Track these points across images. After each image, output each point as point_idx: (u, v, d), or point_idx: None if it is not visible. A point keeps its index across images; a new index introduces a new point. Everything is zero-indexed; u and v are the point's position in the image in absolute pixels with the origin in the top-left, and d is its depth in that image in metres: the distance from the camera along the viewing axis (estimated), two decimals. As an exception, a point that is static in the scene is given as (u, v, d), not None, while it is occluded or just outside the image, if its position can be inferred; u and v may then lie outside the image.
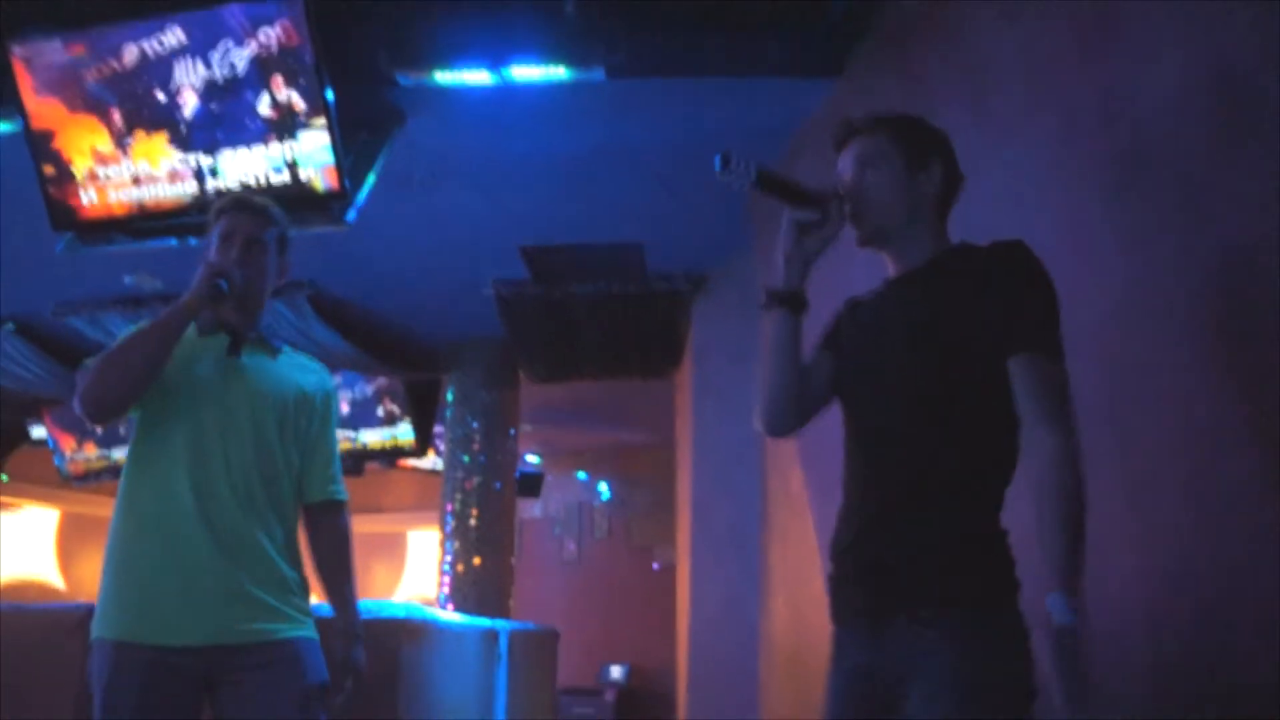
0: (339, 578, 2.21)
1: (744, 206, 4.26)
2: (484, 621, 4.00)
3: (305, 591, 2.14)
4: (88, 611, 3.12)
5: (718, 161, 1.60)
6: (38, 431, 8.15)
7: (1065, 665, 1.40)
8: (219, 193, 3.46)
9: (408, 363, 6.42)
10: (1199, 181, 1.72)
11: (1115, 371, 1.89)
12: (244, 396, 2.13)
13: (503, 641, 3.85)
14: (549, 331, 5.78)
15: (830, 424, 3.08)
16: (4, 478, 8.84)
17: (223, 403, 2.11)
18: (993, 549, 1.55)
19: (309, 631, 2.09)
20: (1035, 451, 1.51)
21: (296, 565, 2.14)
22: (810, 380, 1.76)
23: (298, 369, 2.25)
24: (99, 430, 7.66)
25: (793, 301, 1.72)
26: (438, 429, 7.14)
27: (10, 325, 6.10)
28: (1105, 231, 1.94)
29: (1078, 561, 1.44)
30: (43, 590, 10.11)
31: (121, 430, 7.53)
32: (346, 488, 2.27)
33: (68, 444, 7.93)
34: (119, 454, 7.80)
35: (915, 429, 1.60)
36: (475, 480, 6.09)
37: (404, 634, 2.90)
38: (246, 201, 2.25)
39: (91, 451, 7.83)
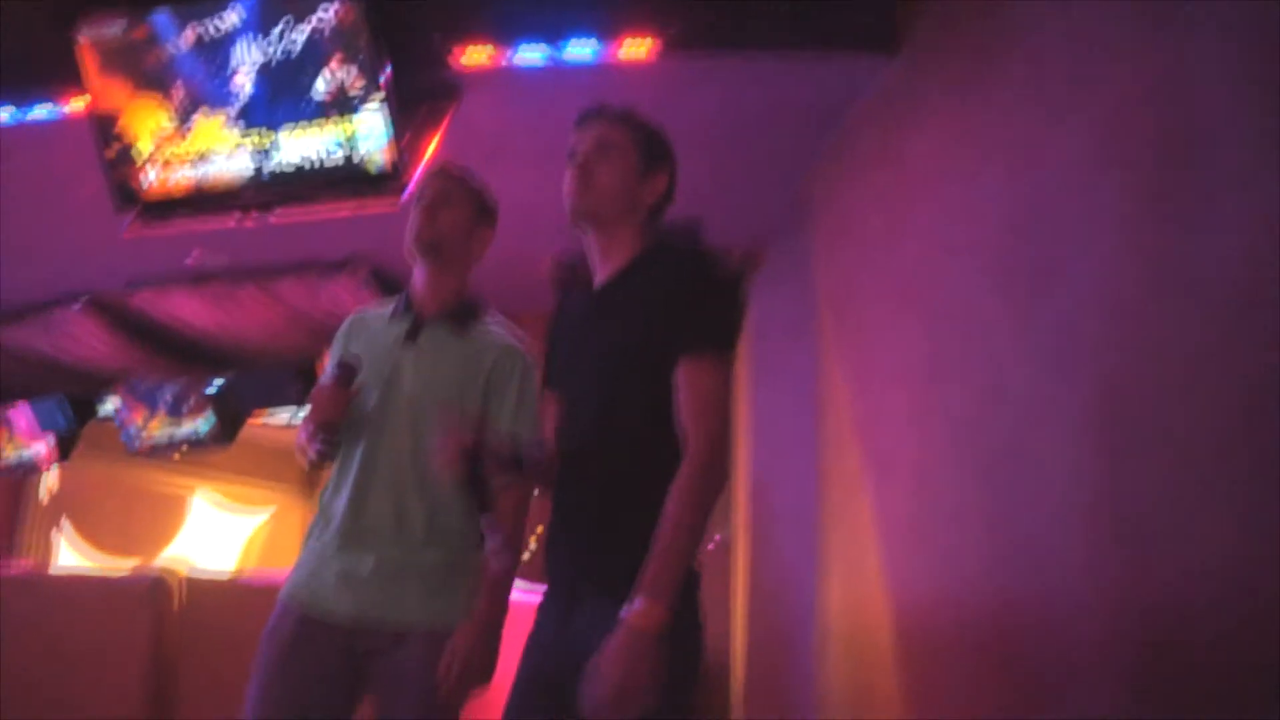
0: (488, 559, 2.16)
1: (799, 183, 4.22)
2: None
3: (458, 577, 2.15)
4: (153, 581, 3.20)
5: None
6: (108, 406, 8.34)
7: (616, 658, 1.55)
8: (277, 172, 3.50)
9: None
10: (1255, 163, 1.66)
11: (1159, 353, 1.85)
12: (408, 385, 2.19)
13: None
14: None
15: (888, 404, 3.07)
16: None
17: (389, 391, 2.17)
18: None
19: (446, 624, 2.11)
20: (683, 443, 1.66)
21: (450, 550, 2.16)
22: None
23: (484, 347, 2.24)
24: (168, 402, 7.83)
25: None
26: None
27: (80, 302, 6.23)
28: (1159, 211, 1.90)
29: (665, 571, 1.59)
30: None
31: (184, 407, 7.69)
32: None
33: (138, 417, 8.10)
34: (187, 428, 7.95)
35: (598, 433, 1.77)
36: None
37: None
38: (441, 168, 2.30)
39: (159, 425, 7.99)
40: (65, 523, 10.19)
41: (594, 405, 1.80)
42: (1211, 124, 1.75)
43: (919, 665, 2.82)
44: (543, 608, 1.86)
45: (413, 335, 2.22)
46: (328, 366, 2.25)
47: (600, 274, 1.87)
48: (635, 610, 1.58)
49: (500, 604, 2.14)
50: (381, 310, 2.34)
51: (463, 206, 2.26)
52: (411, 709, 2.08)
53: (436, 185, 2.26)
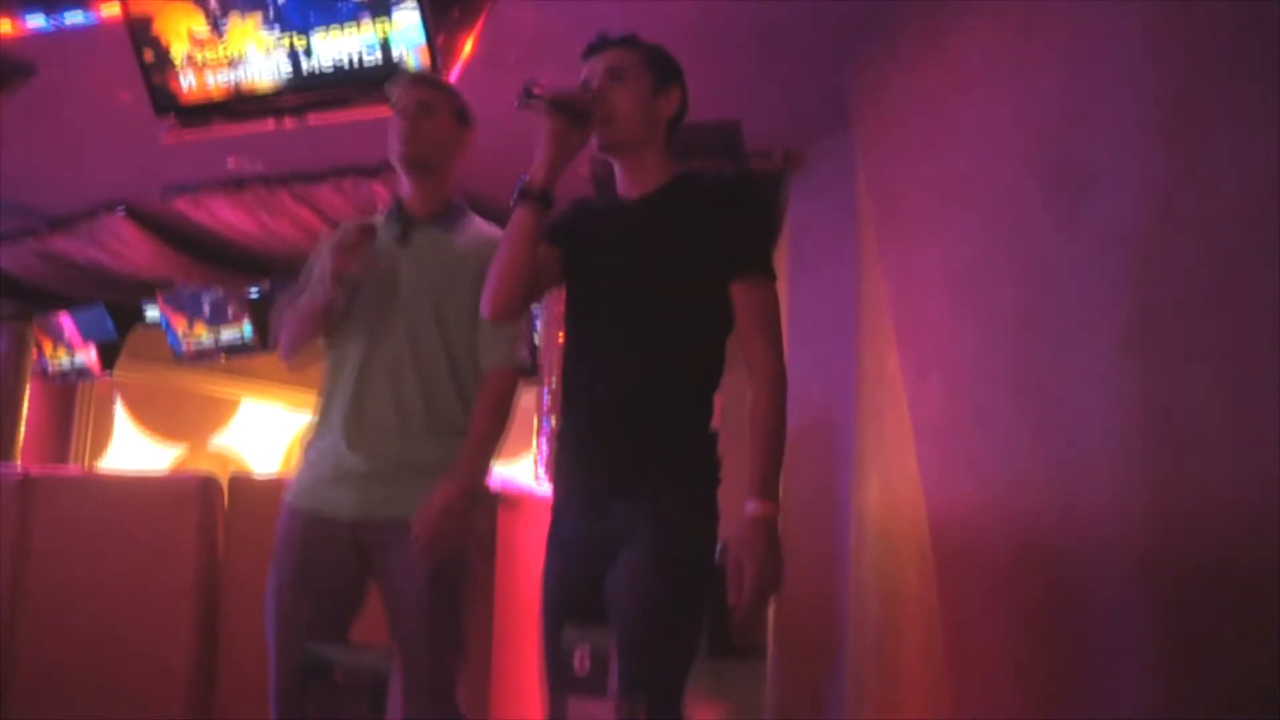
0: (471, 432, 2.24)
1: (842, 81, 4.15)
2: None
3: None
4: (204, 481, 3.27)
5: (521, 98, 1.82)
6: (151, 313, 8.44)
7: (752, 548, 1.71)
8: (312, 74, 3.48)
9: (504, 244, 6.44)
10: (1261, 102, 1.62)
11: (1200, 259, 1.82)
12: (402, 291, 2.26)
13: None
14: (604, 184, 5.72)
15: (929, 305, 3.05)
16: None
17: (380, 299, 2.26)
18: (701, 446, 1.86)
19: None
20: (754, 366, 1.80)
21: (449, 445, 2.23)
22: (541, 270, 1.94)
23: (474, 244, 2.30)
24: (207, 311, 7.92)
25: (543, 199, 1.87)
26: (534, 309, 7.20)
27: (122, 209, 6.27)
28: (1202, 116, 1.85)
29: (772, 473, 1.76)
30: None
31: (229, 312, 7.77)
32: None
33: (180, 324, 8.20)
34: (228, 335, 8.05)
35: (645, 339, 1.85)
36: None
37: (501, 504, 2.98)
38: (416, 74, 2.33)
39: (202, 331, 8.09)
40: (119, 407, 10.46)
41: (636, 314, 1.87)
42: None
43: (952, 567, 2.84)
44: (563, 510, 1.95)
45: (405, 238, 2.27)
46: (314, 270, 2.26)
47: (629, 190, 1.95)
48: (756, 509, 1.74)
49: (482, 465, 2.24)
50: (376, 219, 2.38)
51: (444, 115, 2.28)
52: (418, 593, 2.16)
53: (416, 95, 2.28)
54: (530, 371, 2.37)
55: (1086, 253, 2.26)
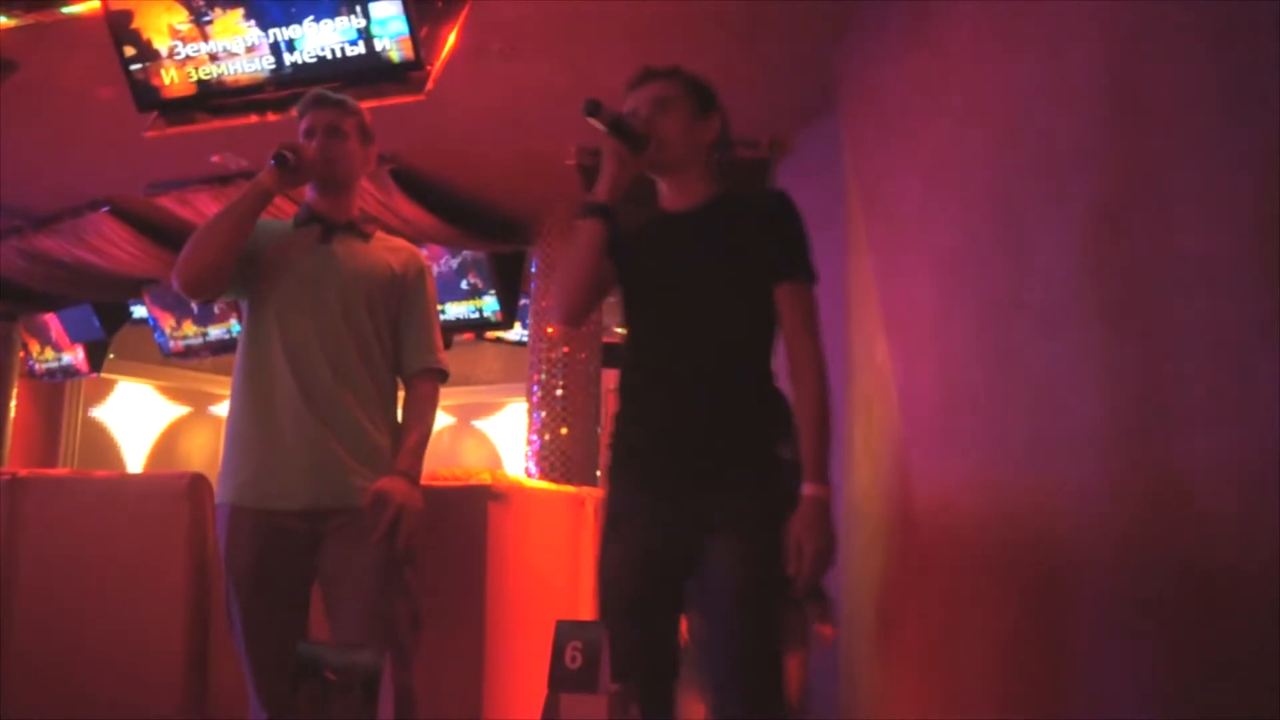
0: (408, 430, 2.33)
1: (825, 70, 4.14)
2: (570, 489, 4.07)
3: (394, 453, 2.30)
4: (194, 478, 3.25)
5: (588, 106, 1.95)
6: (139, 311, 8.40)
7: (810, 525, 1.87)
8: (296, 66, 3.46)
9: (491, 235, 6.43)
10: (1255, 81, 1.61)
11: (1192, 243, 1.82)
12: (334, 279, 2.30)
13: (590, 508, 3.92)
14: (631, 200, 5.72)
15: (914, 294, 3.04)
16: (110, 355, 9.16)
17: (314, 286, 2.27)
18: (771, 433, 1.99)
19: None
20: (800, 361, 2.00)
21: (390, 435, 2.31)
22: (602, 279, 2.09)
23: (388, 250, 2.40)
24: (195, 309, 7.88)
25: (608, 215, 2.04)
26: (523, 301, 7.18)
27: (106, 207, 6.24)
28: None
29: (823, 457, 1.92)
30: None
31: (216, 309, 7.73)
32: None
33: (167, 322, 8.18)
34: (216, 332, 8.02)
35: (711, 338, 2.01)
36: (560, 351, 6.15)
37: (490, 497, 2.97)
38: (323, 96, 2.37)
39: (190, 329, 8.06)
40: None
41: (698, 316, 2.02)
42: None
43: (942, 551, 2.84)
44: (630, 508, 2.04)
45: (327, 238, 2.31)
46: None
47: (675, 204, 2.11)
48: (812, 490, 1.90)
49: (421, 464, 2.32)
50: (282, 221, 2.42)
51: (351, 135, 2.35)
52: (371, 569, 2.18)
53: (325, 119, 2.31)
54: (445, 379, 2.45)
55: (1076, 236, 2.25)
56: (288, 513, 2.20)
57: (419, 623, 2.27)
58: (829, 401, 1.97)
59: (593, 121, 1.97)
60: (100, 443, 10.57)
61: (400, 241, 2.48)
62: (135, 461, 10.89)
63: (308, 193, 2.40)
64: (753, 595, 1.91)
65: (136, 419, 10.92)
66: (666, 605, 1.98)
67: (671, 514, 1.97)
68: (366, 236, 2.39)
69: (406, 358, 2.37)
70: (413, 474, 2.28)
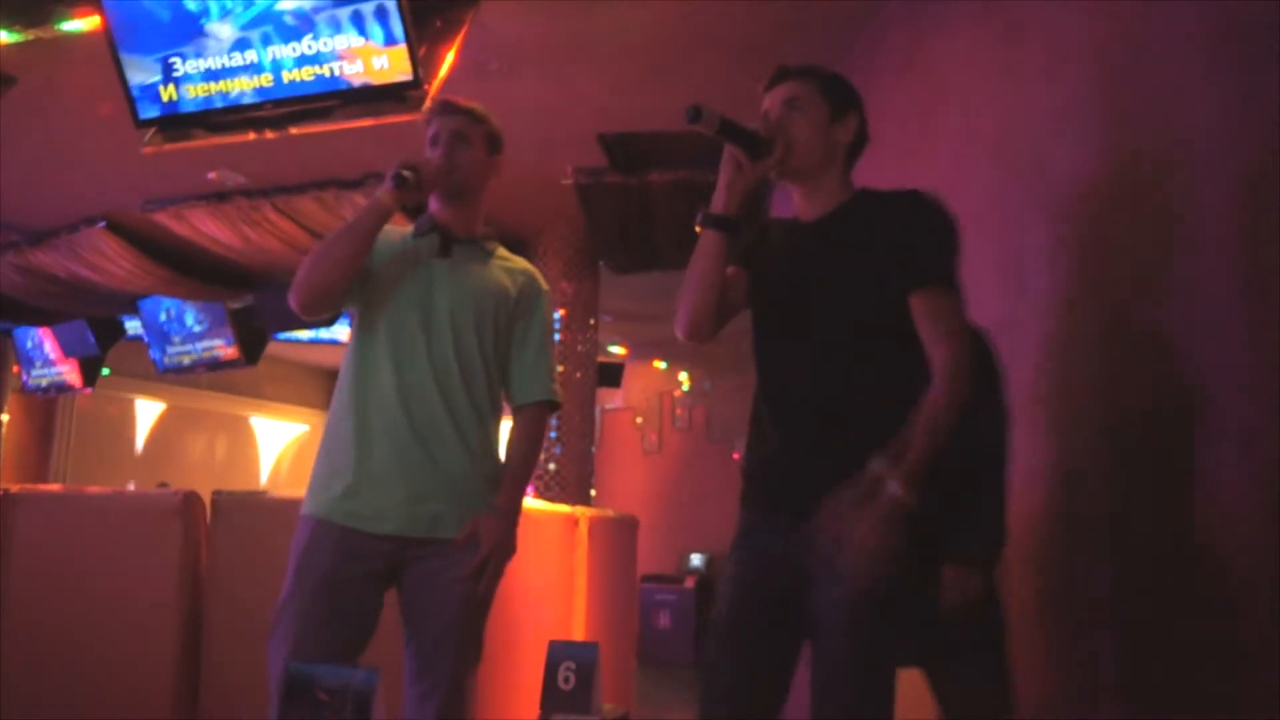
0: (512, 463, 2.24)
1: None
2: (564, 508, 4.06)
3: (497, 491, 2.20)
4: (186, 496, 3.24)
5: (689, 114, 1.78)
6: (133, 326, 8.39)
7: (877, 523, 1.66)
8: (294, 84, 3.47)
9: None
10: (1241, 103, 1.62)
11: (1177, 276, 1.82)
12: (446, 295, 2.20)
13: (583, 528, 3.91)
14: (628, 219, 5.74)
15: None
16: (106, 371, 9.14)
17: (426, 301, 2.20)
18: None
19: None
20: (938, 370, 1.75)
21: (490, 462, 2.21)
22: (729, 293, 1.95)
23: (506, 271, 2.28)
24: (190, 326, 7.88)
25: (727, 225, 1.90)
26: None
27: (103, 222, 6.24)
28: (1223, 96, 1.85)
29: (921, 463, 1.69)
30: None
31: (206, 329, 7.73)
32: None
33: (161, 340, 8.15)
34: (209, 351, 8.00)
35: (841, 351, 1.84)
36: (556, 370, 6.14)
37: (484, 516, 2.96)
38: (450, 103, 2.28)
39: (182, 348, 8.04)
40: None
41: (824, 332, 1.86)
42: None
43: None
44: (753, 530, 1.90)
45: (445, 251, 2.23)
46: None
47: (808, 213, 1.94)
48: (895, 489, 1.69)
49: (522, 500, 2.23)
50: (401, 229, 2.32)
51: (478, 143, 2.26)
52: (453, 607, 2.11)
53: (452, 125, 2.24)
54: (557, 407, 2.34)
55: (1071, 260, 2.26)
56: (375, 535, 2.11)
57: (479, 657, 2.19)
58: (951, 414, 1.75)
59: (697, 128, 1.82)
60: (93, 458, 10.52)
61: (522, 262, 2.35)
62: (130, 478, 10.84)
63: (431, 203, 2.30)
64: (862, 618, 1.75)
65: (132, 434, 10.87)
66: (767, 633, 1.84)
67: (785, 544, 1.83)
68: (487, 254, 2.29)
69: (517, 386, 2.26)
70: (511, 512, 2.18)
